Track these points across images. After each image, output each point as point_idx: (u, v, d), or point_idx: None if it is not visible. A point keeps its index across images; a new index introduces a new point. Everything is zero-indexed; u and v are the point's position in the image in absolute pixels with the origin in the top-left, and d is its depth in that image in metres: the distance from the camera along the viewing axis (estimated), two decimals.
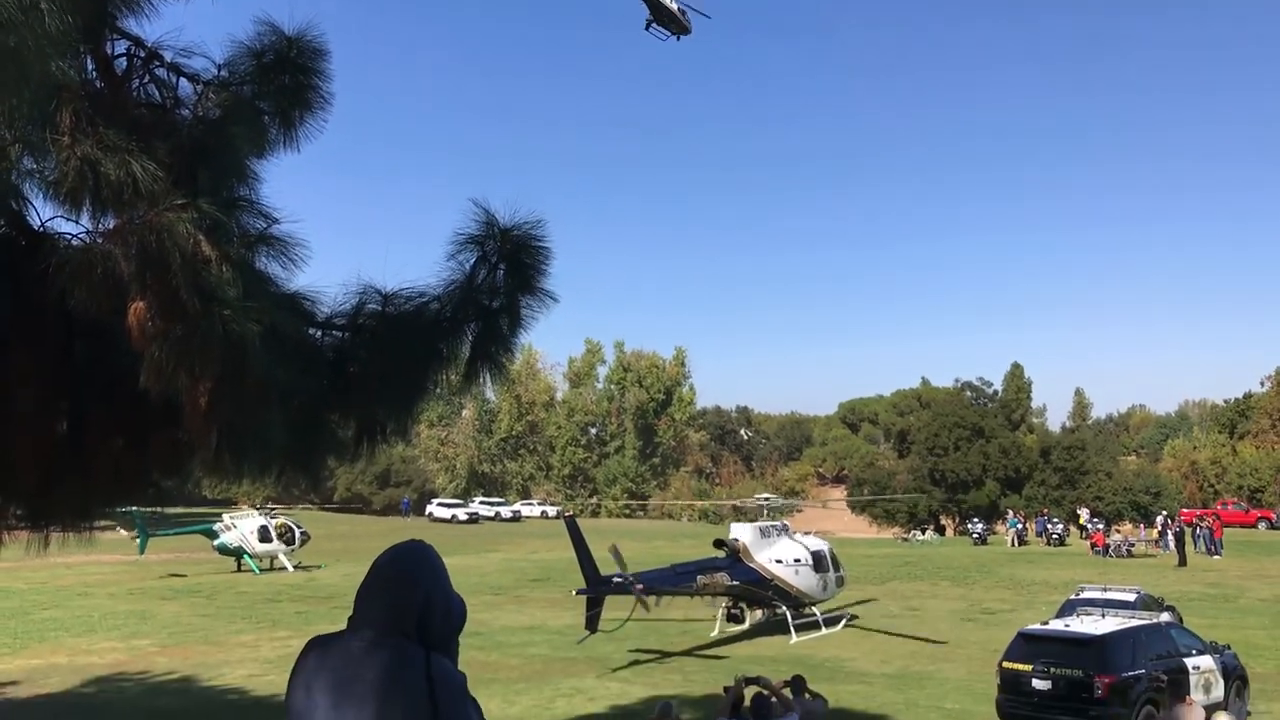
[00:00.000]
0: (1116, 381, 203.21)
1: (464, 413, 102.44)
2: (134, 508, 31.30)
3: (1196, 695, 14.14)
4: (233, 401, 5.11)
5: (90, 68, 5.29)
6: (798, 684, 10.97)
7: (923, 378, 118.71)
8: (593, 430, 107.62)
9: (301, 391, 6.20)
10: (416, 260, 6.80)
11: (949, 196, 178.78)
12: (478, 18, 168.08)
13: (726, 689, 10.50)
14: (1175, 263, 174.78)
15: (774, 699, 9.90)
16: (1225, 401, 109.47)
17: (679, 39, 16.28)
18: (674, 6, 15.84)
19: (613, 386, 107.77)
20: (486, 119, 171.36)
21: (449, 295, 6.58)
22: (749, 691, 9.81)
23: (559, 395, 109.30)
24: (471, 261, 6.56)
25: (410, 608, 2.77)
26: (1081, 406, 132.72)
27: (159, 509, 39.94)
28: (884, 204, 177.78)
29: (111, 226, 4.97)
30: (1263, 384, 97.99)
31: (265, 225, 5.54)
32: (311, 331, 6.41)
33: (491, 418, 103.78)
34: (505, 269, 6.63)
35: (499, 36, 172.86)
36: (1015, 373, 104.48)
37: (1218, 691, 15.55)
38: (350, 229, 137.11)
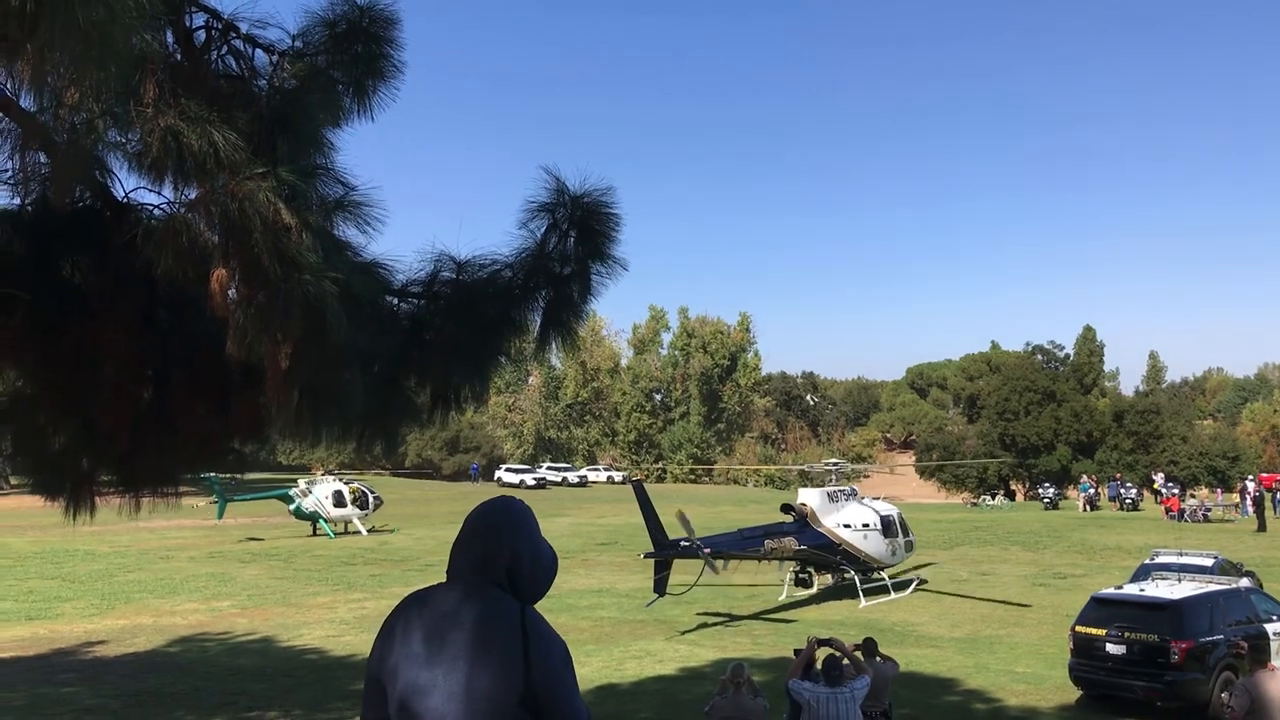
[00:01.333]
0: (1192, 344, 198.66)
1: (530, 379, 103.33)
2: (212, 474, 32.10)
3: (1277, 661, 13.87)
4: (313, 365, 5.21)
5: (170, 40, 5.38)
6: (869, 647, 10.97)
7: (992, 341, 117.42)
8: (657, 396, 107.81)
9: (379, 357, 6.33)
10: (491, 230, 6.88)
11: (1017, 156, 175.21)
12: None
13: (798, 651, 10.53)
14: (1251, 220, 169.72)
15: (846, 661, 9.93)
16: None
17: None
18: None
19: (677, 353, 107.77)
20: (555, 85, 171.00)
21: (521, 263, 6.64)
22: (821, 653, 9.83)
23: (624, 362, 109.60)
24: (543, 229, 6.62)
25: (499, 559, 2.88)
26: (1156, 370, 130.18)
27: (236, 475, 40.90)
28: (950, 163, 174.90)
29: (194, 196, 5.09)
30: None
31: (343, 192, 5.62)
32: (388, 298, 6.51)
33: (557, 384, 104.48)
34: (576, 236, 6.68)
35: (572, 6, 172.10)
36: (1087, 335, 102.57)
37: None
38: (426, 197, 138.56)
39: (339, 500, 41.16)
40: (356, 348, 5.55)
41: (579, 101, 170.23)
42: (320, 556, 33.82)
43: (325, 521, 40.58)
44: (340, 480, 43.37)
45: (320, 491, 41.05)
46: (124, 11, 3.62)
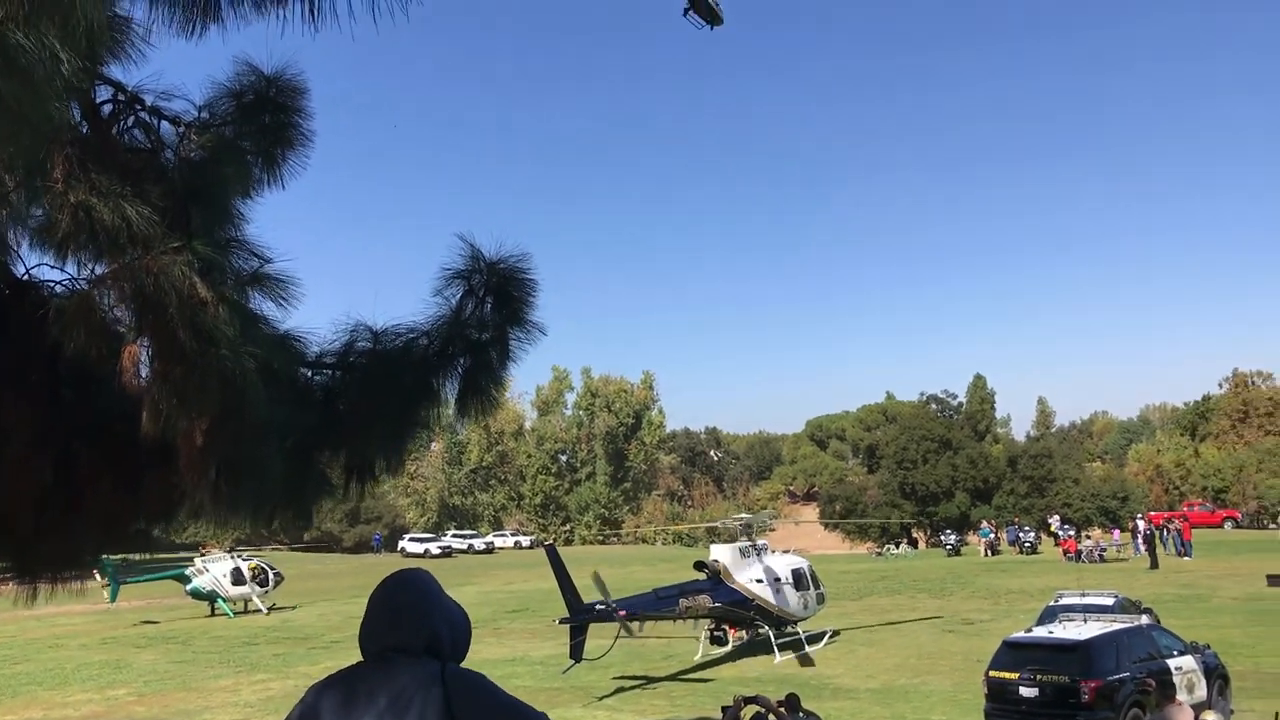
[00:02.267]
0: (1077, 389, 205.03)
1: (433, 445, 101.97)
2: (105, 556, 30.83)
3: (1181, 696, 14.27)
4: (229, 441, 5.10)
5: (77, 114, 5.28)
6: (793, 702, 10.98)
7: (887, 392, 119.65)
8: (563, 458, 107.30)
9: (294, 431, 6.20)
10: (405, 299, 6.84)
11: (908, 211, 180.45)
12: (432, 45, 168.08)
13: (725, 709, 10.47)
14: (1130, 267, 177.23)
15: (772, 717, 9.90)
16: (1185, 404, 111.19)
17: (712, 29, 16.44)
18: None
19: (581, 413, 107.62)
20: (449, 146, 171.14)
21: (438, 330, 6.61)
22: (747, 711, 9.80)
23: (528, 424, 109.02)
24: (458, 296, 6.60)
25: (415, 640, 2.89)
26: (1045, 415, 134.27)
27: (129, 556, 39.38)
28: (838, 215, 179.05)
29: (103, 272, 4.97)
30: (1221, 386, 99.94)
31: (258, 265, 5.54)
32: (302, 370, 6.41)
33: (460, 449, 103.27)
34: (493, 302, 6.67)
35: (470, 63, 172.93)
36: (978, 384, 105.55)
37: (1201, 691, 15.74)
38: (343, 268, 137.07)
39: (238, 578, 39.88)
40: (273, 422, 5.45)
41: (473, 169, 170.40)
42: (220, 637, 32.64)
43: (224, 601, 39.24)
44: (238, 557, 42.05)
45: (218, 570, 39.73)
46: (41, 84, 3.55)
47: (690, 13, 15.56)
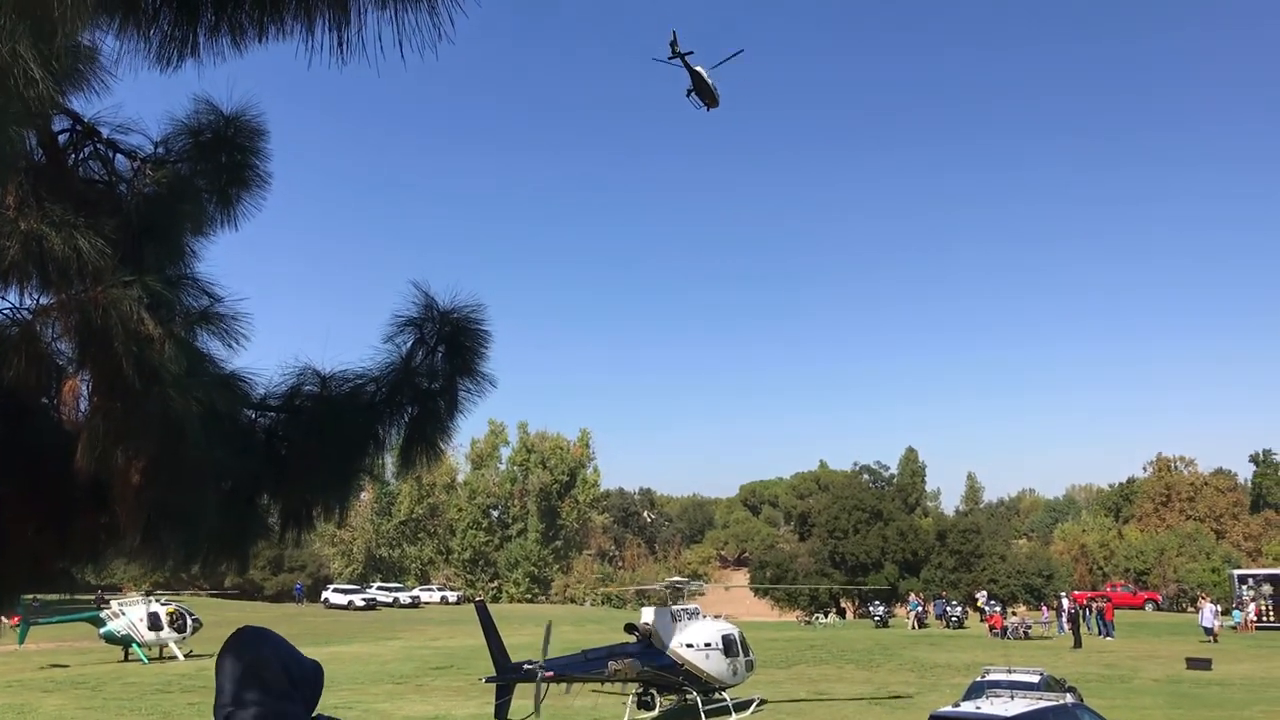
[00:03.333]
0: (1006, 466, 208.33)
1: (362, 495, 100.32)
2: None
3: None
4: (167, 482, 4.99)
5: (32, 142, 5.20)
6: None
7: (820, 460, 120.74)
8: (495, 513, 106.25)
9: (234, 473, 6.08)
10: (353, 345, 6.78)
11: (844, 274, 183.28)
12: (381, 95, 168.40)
13: None
14: (1057, 348, 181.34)
15: None
16: (1110, 486, 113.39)
17: (709, 110, 17.51)
18: (711, 83, 17.07)
19: (516, 468, 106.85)
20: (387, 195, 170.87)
21: (386, 377, 6.54)
22: None
23: (460, 477, 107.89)
24: (409, 343, 6.55)
25: (281, 682, 2.96)
26: (974, 490, 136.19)
27: (34, 597, 38.09)
28: (779, 279, 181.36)
29: (48, 302, 4.87)
30: (1145, 469, 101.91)
31: (208, 303, 5.47)
32: (246, 412, 6.30)
33: (391, 500, 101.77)
34: (444, 352, 6.62)
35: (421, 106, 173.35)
36: (910, 457, 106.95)
37: None
38: (292, 305, 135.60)
39: (154, 623, 38.75)
40: (213, 464, 5.34)
41: (414, 220, 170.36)
42: (133, 684, 31.57)
43: (139, 646, 38.05)
44: (156, 601, 40.89)
45: (134, 614, 38.57)
46: (7, 114, 3.51)
47: (693, 94, 16.40)
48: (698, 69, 17.12)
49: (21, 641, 38.16)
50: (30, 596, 32.41)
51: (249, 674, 2.97)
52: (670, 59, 16.84)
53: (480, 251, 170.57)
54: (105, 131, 5.70)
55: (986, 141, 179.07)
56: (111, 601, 40.20)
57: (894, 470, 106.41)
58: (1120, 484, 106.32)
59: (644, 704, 24.79)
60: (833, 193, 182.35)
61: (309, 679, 3.06)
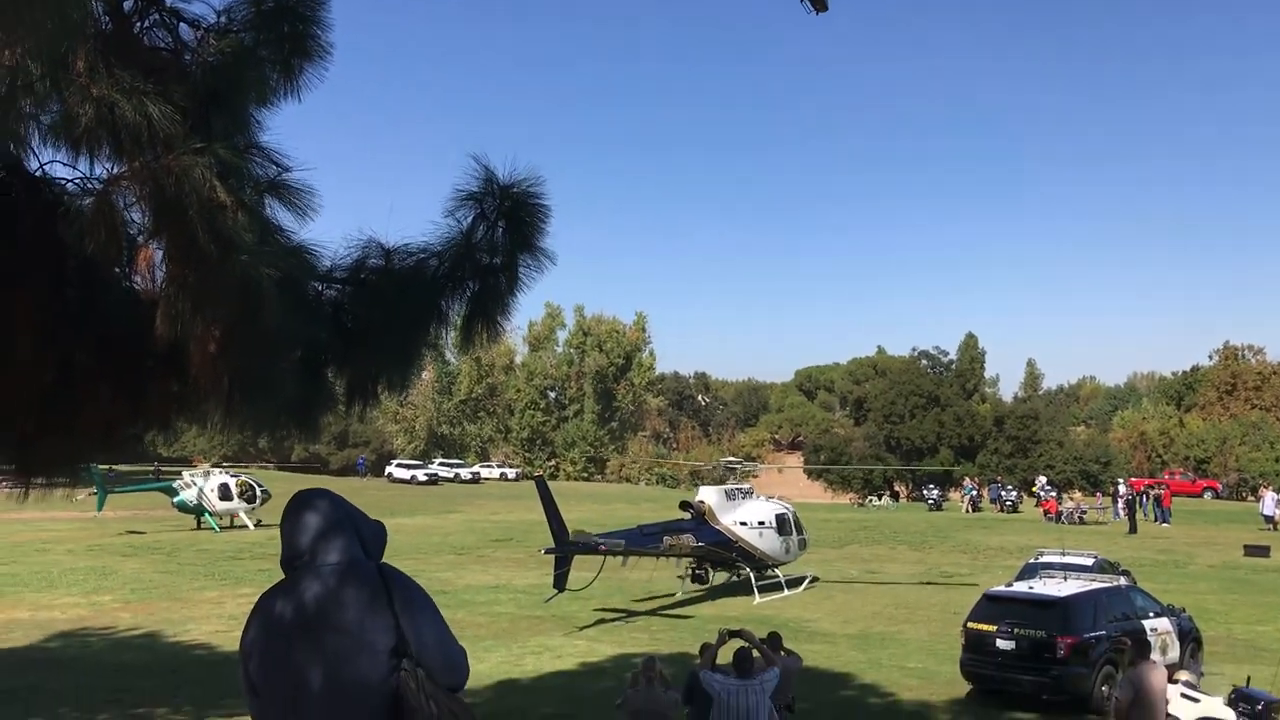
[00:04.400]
0: (1067, 353, 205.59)
1: (423, 374, 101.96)
2: (93, 464, 30.90)
3: (1155, 656, 14.50)
4: (245, 349, 5.09)
5: (99, 9, 5.19)
6: (774, 641, 11.14)
7: (878, 346, 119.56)
8: (552, 394, 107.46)
9: (304, 343, 6.19)
10: (416, 219, 6.79)
11: (901, 162, 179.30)
12: None
13: (704, 647, 10.64)
14: (1126, 235, 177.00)
15: (755, 651, 10.08)
16: (1173, 374, 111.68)
17: (818, 14, 17.43)
18: None
19: (572, 351, 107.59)
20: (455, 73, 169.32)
21: (448, 252, 6.56)
22: (732, 644, 9.96)
23: (518, 359, 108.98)
24: (470, 218, 6.54)
25: (352, 534, 3.19)
26: (1033, 377, 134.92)
27: (110, 468, 39.47)
28: (838, 166, 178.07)
29: (121, 170, 4.91)
30: (1211, 357, 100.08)
31: (277, 173, 5.49)
32: (313, 284, 6.38)
33: (451, 380, 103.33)
34: (504, 227, 6.61)
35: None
36: (969, 343, 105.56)
37: (1174, 653, 16.00)
38: (357, 178, 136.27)
39: (225, 493, 40.09)
40: (288, 333, 5.43)
41: (481, 95, 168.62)
42: (206, 551, 32.90)
43: (210, 515, 39.47)
44: (225, 473, 42.23)
45: (206, 484, 39.92)
46: None
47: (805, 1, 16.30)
48: None
49: (100, 509, 39.73)
50: (105, 467, 33.58)
51: (325, 526, 3.18)
52: None
53: (539, 125, 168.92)
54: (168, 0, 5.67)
55: (1065, 30, 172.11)
56: (184, 472, 41.61)
57: (953, 356, 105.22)
58: (1184, 372, 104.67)
59: (697, 578, 25.32)
60: (892, 70, 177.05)
61: (376, 534, 3.29)
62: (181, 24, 5.78)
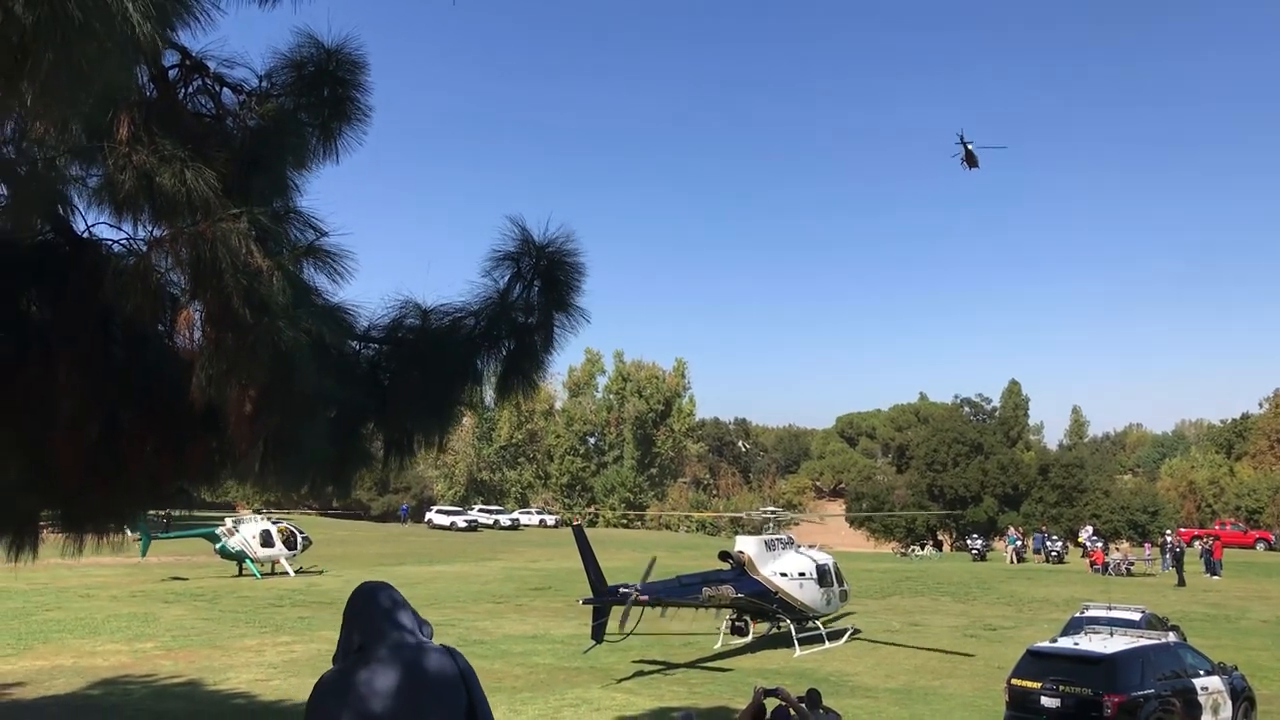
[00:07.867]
0: (1113, 400, 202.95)
1: (464, 420, 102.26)
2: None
3: (1205, 716, 14.16)
4: (278, 411, 5.15)
5: (144, 77, 5.31)
6: (813, 698, 10.97)
7: (920, 393, 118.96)
8: (591, 440, 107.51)
9: (339, 402, 6.25)
10: (452, 278, 6.85)
11: (949, 201, 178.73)
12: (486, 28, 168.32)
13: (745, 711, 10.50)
14: (1172, 281, 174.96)
15: (792, 712, 9.92)
16: (1222, 422, 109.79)
17: (970, 169, 20.89)
18: (977, 155, 20.09)
19: (612, 396, 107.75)
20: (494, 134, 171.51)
21: (485, 311, 6.61)
22: (769, 703, 9.82)
23: (558, 404, 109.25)
24: (506, 278, 6.60)
25: (413, 619, 3.68)
26: (1078, 424, 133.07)
27: (168, 512, 39.86)
28: (884, 209, 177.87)
29: (161, 234, 5.00)
30: (1261, 405, 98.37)
31: (314, 237, 5.57)
32: (350, 343, 6.44)
33: (491, 425, 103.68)
34: (540, 286, 6.66)
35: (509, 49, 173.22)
36: (1013, 390, 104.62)
37: (1225, 713, 15.58)
38: (394, 241, 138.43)
39: (266, 540, 40.35)
40: (321, 394, 5.49)
41: (520, 150, 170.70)
42: (247, 598, 33.03)
43: (252, 561, 39.70)
44: (267, 519, 42.52)
45: (247, 531, 40.21)
46: (116, 49, 3.58)
47: (963, 161, 19.03)
48: (970, 148, 19.89)
49: (144, 554, 40.06)
50: (162, 513, 33.78)
51: (394, 612, 3.64)
52: (960, 155, 19.99)
53: (577, 176, 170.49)
54: (212, 66, 5.79)
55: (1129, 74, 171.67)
56: (227, 519, 41.94)
57: (996, 403, 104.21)
58: (1234, 420, 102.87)
59: (737, 630, 25.07)
60: (938, 115, 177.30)
61: (425, 622, 3.78)
62: (224, 89, 5.92)
